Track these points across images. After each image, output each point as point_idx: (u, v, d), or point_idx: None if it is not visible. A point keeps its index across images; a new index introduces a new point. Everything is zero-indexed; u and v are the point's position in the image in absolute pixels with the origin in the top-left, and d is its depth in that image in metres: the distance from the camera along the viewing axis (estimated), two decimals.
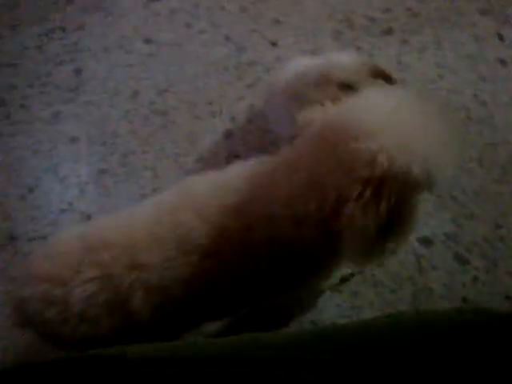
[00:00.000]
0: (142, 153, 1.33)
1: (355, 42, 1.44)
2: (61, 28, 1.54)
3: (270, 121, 1.21)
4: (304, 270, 0.77)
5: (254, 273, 0.74)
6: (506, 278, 1.11)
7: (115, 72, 1.46)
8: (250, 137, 1.31)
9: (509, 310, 1.06)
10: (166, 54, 1.49)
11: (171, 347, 0.60)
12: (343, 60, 0.96)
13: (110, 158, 1.33)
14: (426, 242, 1.15)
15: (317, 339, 0.60)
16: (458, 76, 1.35)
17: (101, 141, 1.35)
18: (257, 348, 0.57)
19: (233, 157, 1.29)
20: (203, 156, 1.31)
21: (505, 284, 1.10)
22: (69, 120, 1.38)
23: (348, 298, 1.10)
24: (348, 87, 0.91)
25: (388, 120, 0.64)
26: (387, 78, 0.95)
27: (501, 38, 1.39)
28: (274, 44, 1.47)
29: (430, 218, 1.18)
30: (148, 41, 1.52)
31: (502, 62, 1.35)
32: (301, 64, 1.03)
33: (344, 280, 1.10)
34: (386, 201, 0.62)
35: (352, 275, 1.11)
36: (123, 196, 1.27)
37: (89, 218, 1.23)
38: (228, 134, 1.34)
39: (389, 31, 1.44)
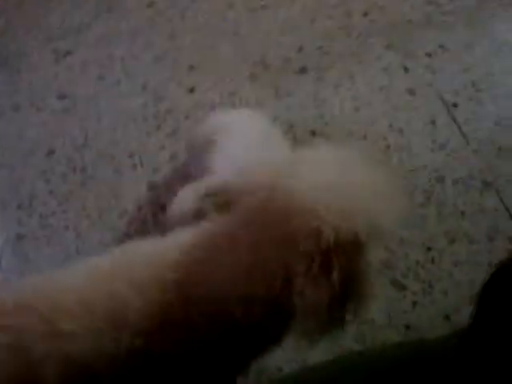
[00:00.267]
0: (62, 212, 1.26)
1: (272, 83, 1.46)
2: None
3: (193, 169, 1.18)
4: (251, 346, 0.72)
5: (191, 354, 0.68)
6: (441, 298, 1.13)
7: (28, 131, 1.40)
8: (175, 186, 1.27)
9: (448, 332, 1.07)
10: (81, 108, 1.44)
11: None
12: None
13: (27, 222, 1.26)
14: None
15: None
16: (373, 108, 1.40)
17: (16, 204, 1.28)
18: None
19: (159, 208, 1.24)
20: (127, 210, 1.26)
21: (442, 304, 1.12)
22: None
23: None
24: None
25: (327, 190, 0.62)
26: None
27: (406, 69, 1.46)
28: (191, 90, 1.47)
29: None
30: (62, 96, 1.47)
31: (411, 91, 1.41)
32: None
33: None
34: (336, 271, 0.59)
35: None
36: (45, 260, 1.20)
37: None
38: (151, 186, 1.31)
39: (303, 70, 1.48)
